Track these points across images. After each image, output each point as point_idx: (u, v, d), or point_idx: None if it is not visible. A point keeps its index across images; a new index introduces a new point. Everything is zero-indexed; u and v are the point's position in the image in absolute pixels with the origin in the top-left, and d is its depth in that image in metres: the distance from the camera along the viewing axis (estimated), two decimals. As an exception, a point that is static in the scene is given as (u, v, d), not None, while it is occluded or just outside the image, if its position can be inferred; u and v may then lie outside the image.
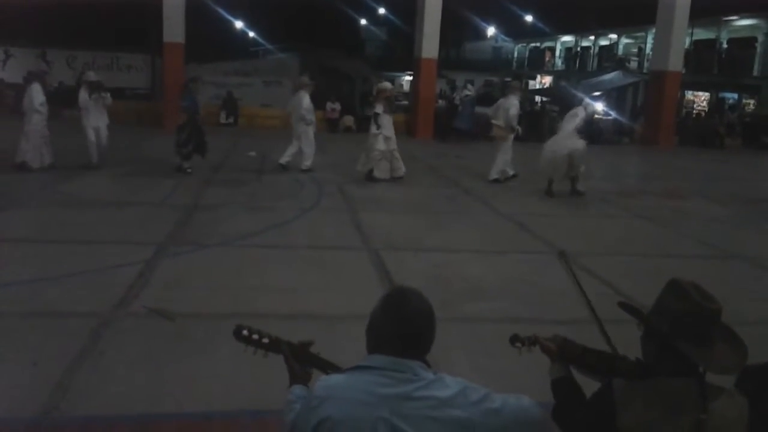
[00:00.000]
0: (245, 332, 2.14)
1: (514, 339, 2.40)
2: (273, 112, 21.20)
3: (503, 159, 11.94)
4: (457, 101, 20.63)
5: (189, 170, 11.53)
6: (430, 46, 19.69)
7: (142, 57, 24.74)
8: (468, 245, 7.74)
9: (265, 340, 2.15)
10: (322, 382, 1.89)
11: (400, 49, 40.55)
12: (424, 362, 1.89)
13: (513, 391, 2.03)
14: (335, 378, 1.90)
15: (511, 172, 12.08)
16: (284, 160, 12.21)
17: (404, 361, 1.83)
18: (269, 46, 36.61)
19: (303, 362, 2.17)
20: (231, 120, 21.42)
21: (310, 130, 12.28)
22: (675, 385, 1.93)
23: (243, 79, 24.35)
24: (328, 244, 7.49)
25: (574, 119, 11.18)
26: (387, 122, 11.58)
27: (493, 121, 11.93)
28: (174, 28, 18.93)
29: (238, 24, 40.48)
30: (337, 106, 22.13)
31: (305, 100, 12.26)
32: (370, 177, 11.55)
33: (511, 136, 11.90)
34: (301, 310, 5.28)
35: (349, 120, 21.79)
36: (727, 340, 2.02)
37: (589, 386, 2.18)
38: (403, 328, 1.87)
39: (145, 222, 8.07)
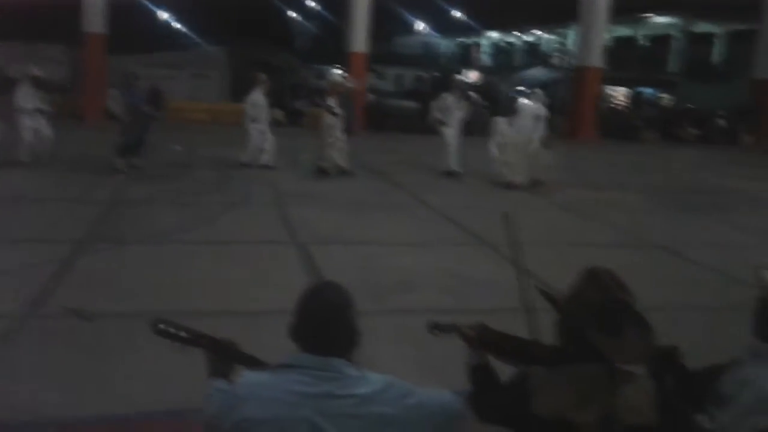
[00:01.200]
0: (162, 326, 2.08)
1: (433, 327, 2.43)
2: (199, 105, 20.76)
3: (447, 148, 12.14)
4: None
5: (123, 170, 11.07)
6: (359, 39, 19.70)
7: (62, 48, 23.73)
8: (397, 238, 7.80)
9: (184, 334, 2.10)
10: (244, 380, 1.87)
11: (331, 42, 40.39)
12: (349, 360, 1.88)
13: (441, 381, 2.06)
14: (257, 376, 1.88)
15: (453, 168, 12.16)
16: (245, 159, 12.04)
17: (328, 359, 1.81)
18: (197, 39, 35.77)
19: (225, 357, 2.13)
20: (156, 113, 20.81)
21: (254, 127, 12.06)
22: (587, 371, 1.99)
23: (169, 72, 23.72)
24: (256, 239, 7.40)
25: (538, 116, 11.57)
26: (340, 114, 11.67)
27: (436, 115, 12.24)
28: (95, 18, 18.25)
29: (164, 15, 39.40)
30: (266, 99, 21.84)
31: (251, 95, 12.20)
32: (341, 170, 11.60)
33: (447, 130, 12.08)
34: (227, 306, 5.21)
35: (278, 113, 21.51)
36: (638, 328, 2.10)
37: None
38: (319, 325, 1.85)
39: (64, 219, 7.77)
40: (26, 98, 10.80)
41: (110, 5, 18.69)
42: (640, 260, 7.38)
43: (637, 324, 2.09)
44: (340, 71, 21.33)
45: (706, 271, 7.06)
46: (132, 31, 27.46)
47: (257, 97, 12.16)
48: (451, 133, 12.13)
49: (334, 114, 11.56)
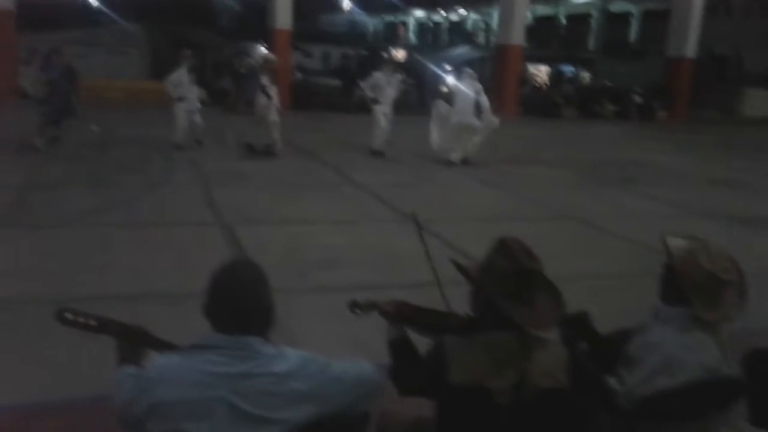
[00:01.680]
0: (69, 315, 2.01)
1: (353, 305, 2.46)
2: (117, 83, 20.00)
3: (375, 130, 12.06)
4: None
5: (42, 148, 10.66)
6: (283, 16, 19.37)
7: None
8: (324, 216, 7.78)
9: (92, 322, 2.03)
10: (155, 363, 1.83)
11: (254, 20, 39.53)
12: (265, 337, 1.87)
13: (368, 356, 2.08)
14: (169, 358, 1.84)
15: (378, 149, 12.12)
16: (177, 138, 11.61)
17: (242, 338, 1.79)
18: (113, 15, 34.31)
19: (135, 342, 2.08)
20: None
21: (179, 106, 11.63)
22: (500, 338, 2.06)
23: (84, 50, 22.70)
24: (178, 220, 7.24)
25: (478, 91, 11.60)
26: (274, 94, 11.43)
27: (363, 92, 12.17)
28: (2, -7, 17.24)
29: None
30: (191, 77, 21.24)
31: (175, 73, 11.75)
32: (268, 151, 11.40)
33: (379, 108, 11.98)
34: (148, 289, 5.09)
35: (200, 92, 20.97)
36: (548, 295, 2.18)
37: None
38: (232, 302, 1.82)
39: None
40: None
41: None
42: (558, 232, 7.64)
43: (547, 291, 2.17)
44: (264, 49, 20.92)
45: (620, 240, 7.36)
46: (43, 8, 26.13)
47: (180, 75, 11.73)
48: (381, 111, 12.06)
49: (267, 94, 11.30)
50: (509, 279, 2.07)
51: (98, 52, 22.78)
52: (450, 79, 14.12)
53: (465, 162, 11.62)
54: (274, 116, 11.43)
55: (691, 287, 2.33)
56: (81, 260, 5.69)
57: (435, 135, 11.73)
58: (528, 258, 2.10)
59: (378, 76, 12.33)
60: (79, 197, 7.91)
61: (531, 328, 2.06)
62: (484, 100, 11.59)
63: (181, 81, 11.65)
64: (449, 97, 11.96)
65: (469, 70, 12.47)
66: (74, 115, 11.21)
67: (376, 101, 12.09)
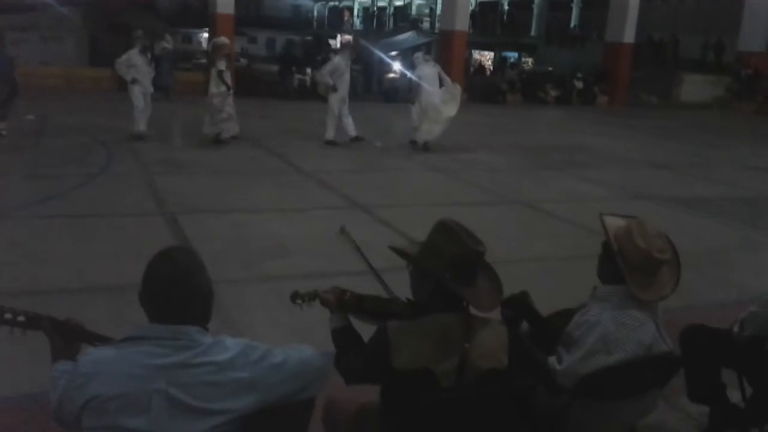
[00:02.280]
0: None
1: (295, 296, 2.45)
2: (53, 70, 19.32)
3: (328, 119, 11.77)
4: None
5: (4, 133, 10.34)
6: (225, 1, 18.99)
7: None
8: (270, 204, 7.70)
9: (21, 318, 1.96)
10: (88, 356, 1.77)
11: (197, 4, 38.69)
12: (203, 326, 1.83)
13: (315, 344, 2.07)
14: (103, 352, 1.78)
15: (352, 134, 11.82)
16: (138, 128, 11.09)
17: (178, 327, 1.75)
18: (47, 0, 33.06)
19: (69, 337, 2.02)
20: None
21: (134, 89, 11.04)
22: (444, 321, 2.07)
23: (18, 35, 21.83)
24: (119, 211, 7.05)
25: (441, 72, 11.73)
26: (229, 80, 11.03)
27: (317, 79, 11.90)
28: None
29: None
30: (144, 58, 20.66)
31: (125, 54, 11.15)
32: (217, 140, 11.03)
33: (332, 96, 11.63)
34: (88, 282, 4.96)
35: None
36: (487, 276, 2.21)
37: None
38: (167, 292, 1.77)
39: None
40: None
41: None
42: (504, 216, 7.76)
43: (486, 273, 2.20)
44: (205, 35, 20.44)
45: (563, 223, 7.51)
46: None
47: (132, 57, 11.09)
48: (336, 98, 11.67)
49: (226, 83, 10.85)
50: (452, 260, 2.09)
51: (33, 37, 21.93)
52: (397, 65, 14.12)
53: (426, 147, 11.67)
54: (230, 108, 11.11)
55: (627, 266, 2.39)
56: (16, 253, 5.50)
57: (417, 119, 11.75)
58: (470, 239, 2.12)
59: (338, 61, 11.88)
60: (15, 188, 7.63)
61: (476, 308, 2.09)
62: (445, 76, 11.74)
63: (134, 62, 11.07)
64: (399, 83, 11.91)
65: (422, 54, 12.52)
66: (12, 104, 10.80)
67: (334, 89, 11.61)
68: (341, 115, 11.78)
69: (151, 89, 11.36)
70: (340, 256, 5.85)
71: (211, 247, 5.53)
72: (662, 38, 30.53)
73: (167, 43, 18.16)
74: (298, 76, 20.92)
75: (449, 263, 2.09)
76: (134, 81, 11.05)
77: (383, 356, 2.04)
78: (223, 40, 11.80)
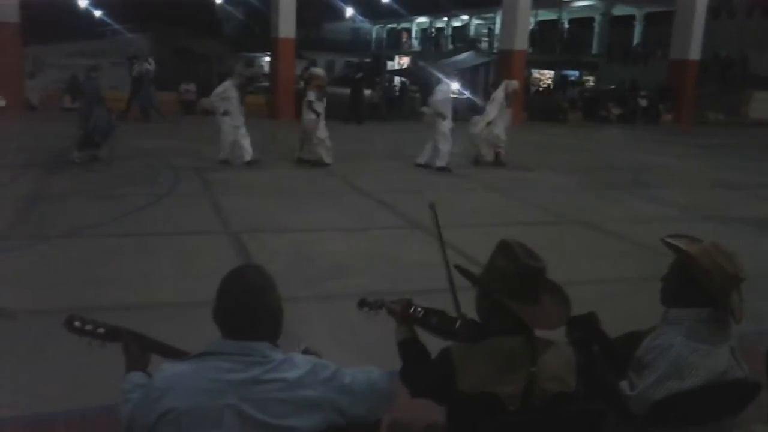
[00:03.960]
0: (77, 323, 2.01)
1: (362, 303, 2.46)
2: (122, 95, 20.06)
3: (444, 146, 11.55)
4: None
5: (78, 160, 10.78)
6: (287, 25, 19.42)
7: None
8: (330, 224, 7.78)
9: (101, 330, 2.03)
10: (164, 371, 1.81)
11: (258, 29, 39.73)
12: (274, 343, 1.86)
13: (376, 364, 2.07)
14: (177, 366, 1.83)
15: (440, 163, 11.54)
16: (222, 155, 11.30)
17: (250, 343, 1.78)
18: (117, 26, 34.54)
19: (143, 349, 2.09)
20: (76, 104, 20.06)
21: (225, 121, 11.10)
22: (507, 344, 2.04)
23: (89, 61, 22.86)
24: (185, 230, 7.25)
25: (498, 101, 12.02)
26: (321, 109, 11.31)
27: (423, 109, 11.73)
28: (7, 7, 17.35)
29: (83, 2, 37.82)
30: (192, 87, 21.37)
31: (221, 86, 11.32)
32: (316, 164, 11.35)
33: (443, 122, 11.51)
34: (156, 299, 5.10)
35: (206, 102, 21.03)
36: (553, 296, 2.17)
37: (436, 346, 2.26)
38: (239, 308, 1.81)
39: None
40: None
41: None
42: (565, 236, 7.62)
43: (552, 291, 2.16)
44: (268, 59, 20.88)
45: (628, 243, 7.33)
46: (49, 20, 26.32)
47: (227, 89, 11.17)
48: (446, 126, 11.49)
49: (315, 112, 11.17)
50: (512, 278, 2.06)
51: (104, 63, 22.87)
52: (456, 85, 14.22)
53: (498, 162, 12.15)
54: (321, 134, 11.33)
55: (716, 288, 2.32)
56: (88, 271, 5.70)
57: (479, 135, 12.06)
58: (530, 257, 2.09)
59: (445, 87, 11.97)
60: (87, 208, 7.93)
61: (539, 327, 2.05)
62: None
63: (228, 95, 11.13)
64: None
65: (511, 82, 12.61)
66: (112, 131, 11.32)
67: (444, 116, 11.45)
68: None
69: (242, 121, 11.31)
70: (400, 276, 5.87)
71: (273, 266, 5.61)
72: (729, 55, 29.67)
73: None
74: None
75: (508, 281, 2.07)
76: (226, 113, 11.08)
77: (447, 379, 2.02)
78: (318, 72, 12.11)
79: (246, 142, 11.19)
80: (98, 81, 11.74)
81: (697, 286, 2.34)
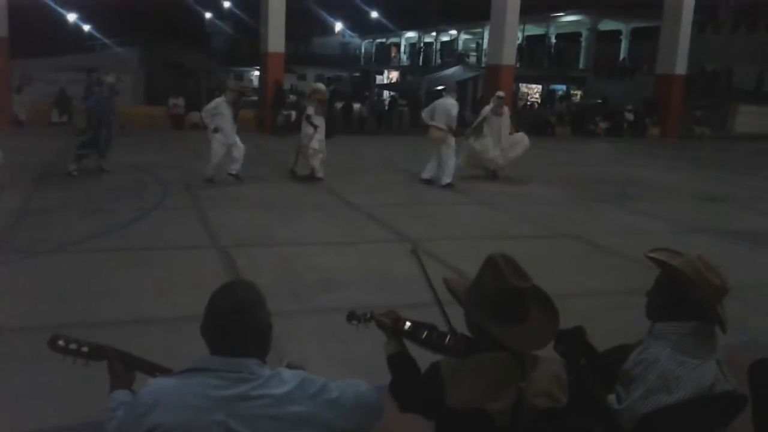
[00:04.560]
0: (61, 342, 2.00)
1: (351, 316, 2.45)
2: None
3: (452, 162, 11.52)
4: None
5: (75, 173, 10.82)
6: (276, 40, 19.50)
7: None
8: (320, 238, 7.78)
9: (85, 349, 2.02)
10: (150, 387, 1.79)
11: (247, 43, 39.84)
12: (262, 359, 1.85)
13: (367, 378, 2.06)
14: (164, 382, 1.81)
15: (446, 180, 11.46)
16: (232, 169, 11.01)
17: (238, 360, 1.77)
18: (106, 41, 34.53)
19: (130, 367, 2.07)
20: (64, 119, 20.02)
21: (215, 137, 10.68)
22: (496, 359, 2.03)
23: (77, 76, 22.84)
24: (173, 244, 7.22)
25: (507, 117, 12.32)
26: (320, 123, 11.31)
27: (431, 123, 11.50)
28: (-5, 21, 17.36)
29: (71, 16, 37.78)
30: (181, 101, 21.41)
31: (212, 102, 10.97)
32: (312, 177, 11.34)
33: (452, 138, 11.55)
34: (144, 314, 5.06)
35: (195, 116, 21.05)
36: (541, 310, 2.16)
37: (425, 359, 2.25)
38: (228, 324, 1.80)
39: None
40: None
41: (11, 7, 17.77)
42: (555, 249, 7.65)
43: (541, 307, 2.15)
44: (256, 72, 20.88)
45: (615, 257, 7.36)
46: (37, 34, 26.27)
47: (219, 106, 10.81)
48: (453, 141, 11.51)
49: (313, 125, 11.18)
50: (496, 298, 2.05)
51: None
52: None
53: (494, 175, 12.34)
54: (315, 145, 11.30)
55: (705, 301, 2.33)
56: (76, 286, 5.67)
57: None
58: (516, 276, 2.07)
59: (441, 102, 11.79)
60: (75, 222, 7.90)
61: (524, 350, 2.04)
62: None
63: (220, 111, 10.76)
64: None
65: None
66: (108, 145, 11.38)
67: (451, 131, 11.51)
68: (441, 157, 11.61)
69: (235, 139, 10.98)
70: (389, 290, 5.86)
71: (262, 280, 5.60)
72: (715, 69, 30.01)
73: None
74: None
75: (492, 301, 2.06)
76: (216, 129, 10.71)
77: (436, 394, 2.01)
78: (318, 86, 12.06)
79: (239, 155, 10.99)
80: (102, 95, 11.61)
81: (684, 299, 2.35)
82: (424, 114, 12.17)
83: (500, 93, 12.68)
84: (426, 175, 11.70)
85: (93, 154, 11.21)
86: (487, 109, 12.28)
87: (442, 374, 2.03)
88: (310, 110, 11.34)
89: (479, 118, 12.30)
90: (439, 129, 11.43)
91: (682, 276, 2.35)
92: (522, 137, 12.51)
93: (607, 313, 5.27)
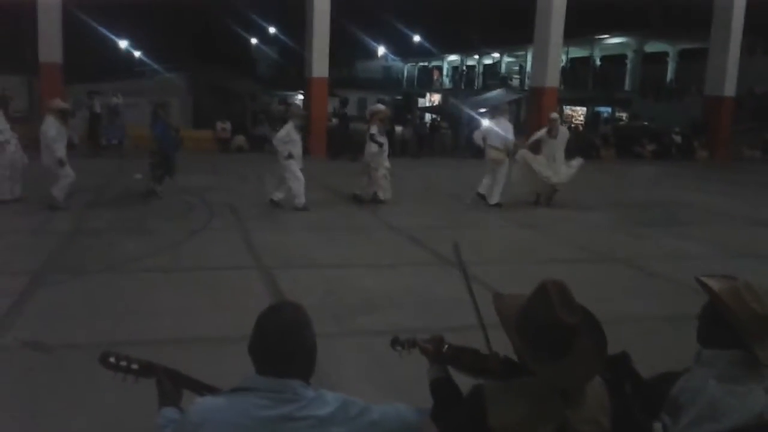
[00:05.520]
0: (112, 359, 2.05)
1: (395, 342, 2.46)
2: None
3: (503, 182, 11.70)
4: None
5: (161, 194, 11.20)
6: (320, 65, 19.78)
7: (18, 78, 23.35)
8: (361, 260, 7.81)
9: (135, 366, 2.07)
10: (198, 406, 1.83)
11: (292, 68, 40.54)
12: (306, 380, 1.88)
13: (407, 401, 2.07)
14: (211, 401, 1.85)
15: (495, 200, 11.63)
16: (276, 196, 10.92)
17: (283, 380, 1.80)
18: (155, 66, 35.59)
19: (179, 385, 2.12)
20: (114, 142, 20.63)
21: (291, 164, 10.65)
22: (539, 384, 2.00)
23: (128, 100, 23.56)
24: (219, 265, 7.34)
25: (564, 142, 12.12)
26: (384, 141, 11.48)
27: (490, 144, 11.68)
28: (51, 47, 18.04)
29: (122, 43, 39.11)
30: (228, 125, 21.86)
31: (283, 130, 10.89)
32: (375, 199, 11.46)
33: (507, 160, 11.71)
34: (190, 334, 5.15)
35: (240, 140, 21.53)
36: (590, 341, 2.08)
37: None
38: (274, 345, 1.84)
39: (21, 250, 7.62)
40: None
41: (65, 33, 18.47)
42: (601, 274, 7.51)
43: (590, 335, 2.09)
44: (300, 96, 21.21)
45: (663, 281, 7.20)
46: (89, 60, 27.23)
47: (289, 132, 10.79)
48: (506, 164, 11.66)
49: (378, 143, 11.30)
50: (542, 330, 2.00)
51: (142, 102, 23.54)
52: (487, 122, 14.30)
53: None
54: (387, 164, 11.46)
55: (743, 329, 2.27)
56: (125, 305, 5.80)
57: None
58: (566, 308, 2.01)
59: (495, 124, 11.99)
60: (124, 243, 8.10)
61: (561, 386, 2.00)
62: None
63: (291, 138, 10.77)
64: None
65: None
66: (171, 174, 11.66)
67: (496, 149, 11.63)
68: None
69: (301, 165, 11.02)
70: (431, 312, 5.84)
71: (304, 301, 5.64)
72: (765, 91, 29.29)
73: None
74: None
75: (536, 332, 2.01)
76: (290, 156, 10.66)
77: (478, 416, 1.99)
78: (378, 107, 12.27)
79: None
80: (167, 119, 11.99)
81: (725, 326, 2.30)
82: (476, 135, 12.39)
83: (554, 114, 12.64)
84: (482, 190, 11.79)
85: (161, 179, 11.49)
86: (543, 131, 12.15)
87: (485, 396, 2.01)
88: (374, 129, 11.42)
89: (534, 138, 12.17)
90: (497, 150, 11.61)
91: (721, 302, 2.30)
92: (578, 162, 12.29)
93: (652, 338, 5.16)
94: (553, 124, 12.13)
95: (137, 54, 41.38)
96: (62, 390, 4.12)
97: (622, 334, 4.69)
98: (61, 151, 9.93)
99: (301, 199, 10.74)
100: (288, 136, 10.79)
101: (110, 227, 9.06)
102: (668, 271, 7.54)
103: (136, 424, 3.46)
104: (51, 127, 9.90)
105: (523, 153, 11.90)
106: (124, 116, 21.15)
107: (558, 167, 11.89)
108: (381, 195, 11.50)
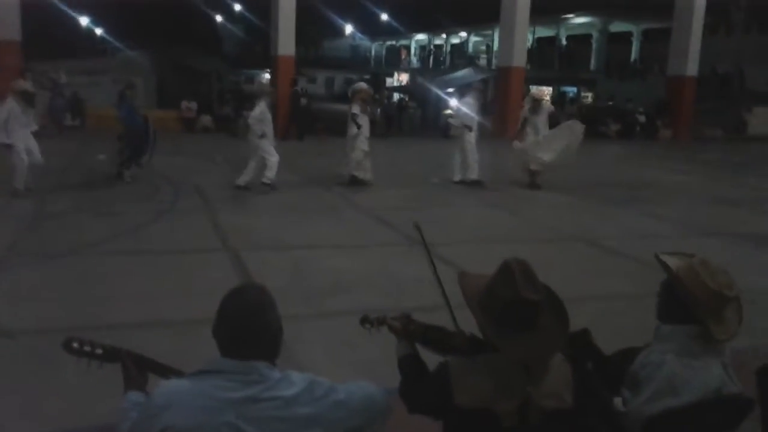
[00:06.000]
0: (76, 344, 2.03)
1: (364, 320, 2.49)
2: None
3: (474, 157, 11.67)
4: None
5: (129, 180, 10.90)
6: (286, 43, 19.57)
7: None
8: (330, 241, 7.81)
9: (99, 351, 2.05)
10: (162, 388, 1.83)
11: (258, 46, 40.03)
12: (272, 362, 1.88)
13: (376, 381, 2.09)
14: (176, 384, 1.85)
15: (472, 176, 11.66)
16: (241, 180, 10.60)
17: (248, 362, 1.81)
18: (118, 44, 34.77)
19: (144, 369, 2.11)
20: (77, 122, 20.21)
21: (264, 143, 10.53)
22: (504, 359, 2.05)
23: (90, 79, 23.03)
24: (185, 247, 7.28)
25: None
26: (365, 123, 11.28)
27: (450, 120, 11.88)
28: (8, 25, 17.52)
29: (83, 20, 38.09)
30: (193, 105, 21.53)
31: (257, 108, 10.64)
32: (353, 180, 11.30)
33: (470, 134, 11.67)
34: (156, 317, 5.12)
35: (206, 119, 21.25)
36: (553, 318, 2.15)
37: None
38: (238, 327, 1.84)
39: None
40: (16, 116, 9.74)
41: (25, 10, 17.96)
42: (565, 253, 7.64)
43: (552, 313, 2.15)
44: (267, 75, 20.93)
45: (626, 260, 7.35)
46: (50, 37, 26.51)
47: (263, 111, 10.63)
48: (473, 137, 11.71)
49: (357, 124, 11.15)
50: (505, 308, 2.05)
51: (104, 81, 23.03)
52: (455, 102, 14.38)
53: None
54: (363, 146, 11.28)
55: (698, 306, 2.33)
56: (89, 289, 5.73)
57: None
58: (529, 286, 2.06)
59: (470, 100, 12.09)
60: (87, 226, 7.97)
61: (524, 360, 2.05)
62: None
63: (265, 117, 10.64)
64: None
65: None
66: (149, 150, 11.27)
67: (469, 128, 11.71)
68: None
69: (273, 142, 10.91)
70: (399, 292, 5.88)
71: (273, 283, 5.63)
72: (727, 71, 29.83)
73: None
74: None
75: (500, 309, 2.06)
76: (263, 135, 10.56)
77: (444, 393, 2.04)
78: (361, 86, 11.94)
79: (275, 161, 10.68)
80: (132, 101, 11.62)
81: (682, 302, 2.36)
82: (454, 122, 12.76)
83: (534, 92, 12.81)
84: (456, 177, 11.80)
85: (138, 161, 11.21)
86: (525, 110, 12.14)
87: (451, 373, 2.06)
88: (356, 109, 11.25)
89: (520, 121, 12.19)
90: (455, 125, 11.94)
91: (677, 278, 2.37)
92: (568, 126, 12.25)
93: (615, 316, 5.27)
94: (536, 104, 12.18)
95: (99, 31, 40.39)
96: (25, 376, 4.07)
97: (585, 311, 4.80)
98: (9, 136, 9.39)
99: (272, 174, 10.55)
100: (262, 115, 10.64)
101: (74, 209, 8.91)
102: (630, 249, 7.68)
103: (101, 409, 3.44)
104: (3, 110, 9.43)
105: (516, 144, 12.01)
106: (75, 94, 20.61)
107: (548, 144, 11.86)
108: (361, 176, 11.40)
